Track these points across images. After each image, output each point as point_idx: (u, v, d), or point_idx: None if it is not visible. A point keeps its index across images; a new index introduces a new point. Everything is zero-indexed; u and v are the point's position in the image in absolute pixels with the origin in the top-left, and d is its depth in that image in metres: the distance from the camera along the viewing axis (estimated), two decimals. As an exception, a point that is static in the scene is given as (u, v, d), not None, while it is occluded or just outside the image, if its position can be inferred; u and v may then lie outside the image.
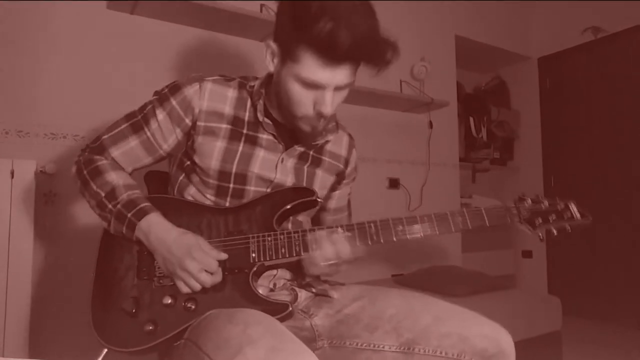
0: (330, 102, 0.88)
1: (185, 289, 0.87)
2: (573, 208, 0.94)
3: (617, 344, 2.57)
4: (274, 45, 0.91)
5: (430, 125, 2.84)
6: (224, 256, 0.88)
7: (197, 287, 0.86)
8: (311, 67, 0.84)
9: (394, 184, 2.70)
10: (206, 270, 0.85)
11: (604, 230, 3.02)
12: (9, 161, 1.44)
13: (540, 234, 0.94)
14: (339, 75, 0.86)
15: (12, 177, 1.43)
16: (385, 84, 2.52)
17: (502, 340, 0.83)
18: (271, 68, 0.94)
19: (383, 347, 0.88)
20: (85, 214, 1.70)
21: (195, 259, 0.85)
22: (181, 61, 2.03)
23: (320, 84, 0.86)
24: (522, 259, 3.50)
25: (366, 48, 0.83)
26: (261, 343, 0.69)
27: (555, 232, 0.94)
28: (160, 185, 1.13)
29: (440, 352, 0.84)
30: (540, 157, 3.48)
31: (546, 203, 0.94)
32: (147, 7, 1.87)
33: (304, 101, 0.89)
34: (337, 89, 0.89)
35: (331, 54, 0.82)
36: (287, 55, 0.87)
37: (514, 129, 3.53)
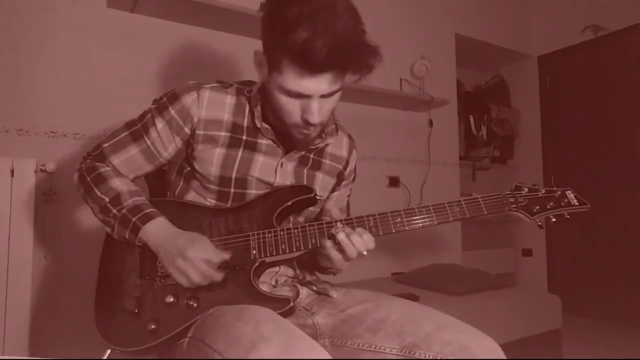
0: (317, 111, 0.87)
1: (182, 280, 0.87)
2: (570, 195, 0.94)
3: (616, 342, 2.57)
4: (261, 55, 0.90)
5: (430, 123, 2.84)
6: (226, 256, 0.89)
7: (195, 277, 0.86)
8: (293, 77, 0.83)
9: (394, 182, 2.70)
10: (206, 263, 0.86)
11: (604, 229, 3.03)
12: (8, 159, 1.44)
13: (538, 222, 0.95)
14: (322, 84, 0.84)
15: (12, 175, 1.43)
16: (386, 83, 2.52)
17: (501, 355, 0.84)
18: (261, 77, 0.93)
19: (384, 349, 0.87)
20: (85, 213, 1.70)
21: (198, 249, 0.86)
22: (182, 60, 2.02)
23: (304, 94, 0.86)
24: (522, 257, 3.50)
25: (344, 56, 0.81)
26: (274, 340, 0.70)
27: (553, 219, 0.94)
28: (162, 185, 1.13)
29: (441, 359, 0.84)
30: (540, 156, 3.48)
31: (543, 191, 0.95)
32: (147, 5, 1.87)
33: (291, 110, 0.89)
34: (323, 96, 0.87)
35: (308, 64, 0.80)
36: (272, 66, 0.86)
37: (514, 128, 3.53)
